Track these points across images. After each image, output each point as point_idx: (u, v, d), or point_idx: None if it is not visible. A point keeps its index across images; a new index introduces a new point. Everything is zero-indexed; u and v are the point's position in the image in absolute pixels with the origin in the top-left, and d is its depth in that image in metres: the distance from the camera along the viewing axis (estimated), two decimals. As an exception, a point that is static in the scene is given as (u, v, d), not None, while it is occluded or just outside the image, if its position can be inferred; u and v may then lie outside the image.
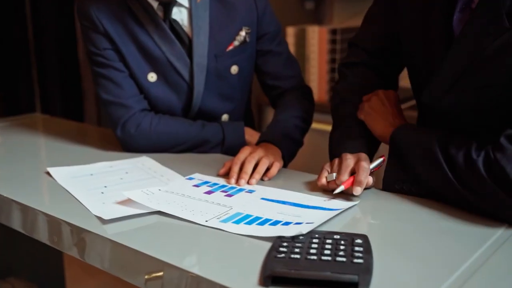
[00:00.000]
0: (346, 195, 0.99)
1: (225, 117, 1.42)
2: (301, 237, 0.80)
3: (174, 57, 1.31)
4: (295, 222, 0.88)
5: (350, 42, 1.27)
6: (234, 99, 1.42)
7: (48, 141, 1.48)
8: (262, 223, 0.88)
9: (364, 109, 1.12)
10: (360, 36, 1.25)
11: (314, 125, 2.40)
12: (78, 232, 0.90)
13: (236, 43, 1.35)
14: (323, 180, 1.01)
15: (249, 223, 0.89)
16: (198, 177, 1.12)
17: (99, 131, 1.71)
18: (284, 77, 1.42)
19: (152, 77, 1.32)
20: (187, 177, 1.12)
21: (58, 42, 2.66)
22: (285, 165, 1.21)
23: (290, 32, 2.50)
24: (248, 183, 1.08)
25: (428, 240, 0.83)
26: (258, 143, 1.24)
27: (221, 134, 1.33)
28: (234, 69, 1.37)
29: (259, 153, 1.13)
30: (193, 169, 1.17)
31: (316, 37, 2.44)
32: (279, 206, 0.96)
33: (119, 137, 1.32)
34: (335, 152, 1.10)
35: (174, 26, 1.30)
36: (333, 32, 2.42)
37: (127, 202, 0.97)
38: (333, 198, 0.99)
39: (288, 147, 1.25)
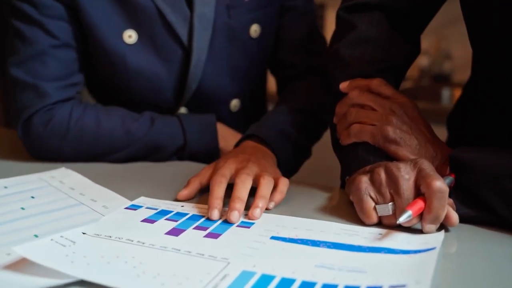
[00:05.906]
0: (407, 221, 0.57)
1: (235, 103, 0.97)
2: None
3: (169, 7, 0.85)
4: (365, 286, 0.46)
5: None
6: (250, 78, 0.97)
7: None
8: None
9: (369, 132, 0.68)
10: None
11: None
12: None
13: None
14: (374, 217, 0.60)
15: None
16: (148, 203, 0.66)
17: (7, 134, 1.20)
18: (304, 52, 0.96)
19: (130, 36, 0.86)
20: (129, 204, 0.66)
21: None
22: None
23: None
24: (247, 216, 0.62)
25: None
26: (238, 143, 0.81)
27: (181, 135, 0.88)
28: (254, 29, 0.92)
29: (251, 166, 0.68)
30: (146, 186, 0.73)
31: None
32: (313, 252, 0.53)
33: (20, 137, 0.86)
34: (363, 160, 0.67)
35: None
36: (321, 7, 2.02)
37: (29, 263, 0.49)
38: (391, 229, 0.58)
39: (286, 150, 0.82)
